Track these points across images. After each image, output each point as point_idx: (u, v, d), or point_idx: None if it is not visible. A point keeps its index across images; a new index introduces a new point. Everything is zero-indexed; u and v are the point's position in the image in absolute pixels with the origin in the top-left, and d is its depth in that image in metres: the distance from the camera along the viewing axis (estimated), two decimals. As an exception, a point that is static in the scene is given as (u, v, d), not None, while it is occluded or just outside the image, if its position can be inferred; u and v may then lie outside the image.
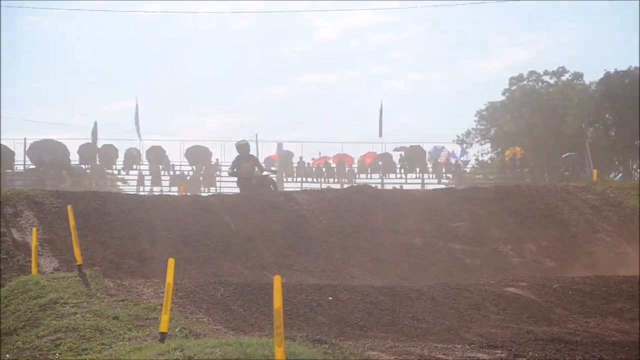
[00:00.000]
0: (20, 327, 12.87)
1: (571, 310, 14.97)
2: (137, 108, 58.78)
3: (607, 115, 67.64)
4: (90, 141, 55.40)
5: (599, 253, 22.37)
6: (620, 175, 60.57)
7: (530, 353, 10.08)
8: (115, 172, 57.34)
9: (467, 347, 10.50)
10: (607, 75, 67.17)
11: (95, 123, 56.05)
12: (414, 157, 57.00)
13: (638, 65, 67.91)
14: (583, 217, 24.25)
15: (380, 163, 56.89)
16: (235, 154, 27.74)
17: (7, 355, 11.95)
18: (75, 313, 12.91)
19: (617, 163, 66.73)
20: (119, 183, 58.11)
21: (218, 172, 56.31)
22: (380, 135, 56.59)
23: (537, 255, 22.33)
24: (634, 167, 66.45)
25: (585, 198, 25.65)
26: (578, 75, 74.01)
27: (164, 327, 11.05)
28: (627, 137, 64.64)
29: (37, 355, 11.70)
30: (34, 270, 16.00)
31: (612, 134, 67.41)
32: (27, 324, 12.92)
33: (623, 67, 70.65)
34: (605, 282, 17.01)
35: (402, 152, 56.70)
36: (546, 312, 14.67)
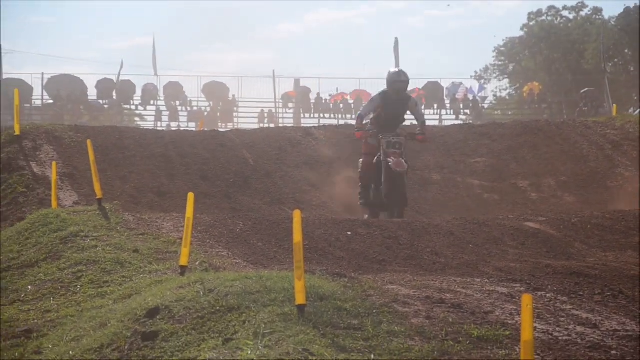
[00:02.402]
0: (41, 259, 12.96)
1: (590, 245, 14.95)
2: (155, 44, 58.75)
3: (626, 51, 67.10)
4: (109, 77, 55.28)
5: (618, 188, 22.30)
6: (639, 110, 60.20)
7: (549, 287, 10.09)
8: (133, 107, 57.35)
9: (486, 280, 10.52)
10: (627, 10, 66.59)
11: (122, 62, 56.04)
12: (432, 93, 56.75)
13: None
14: (602, 152, 24.16)
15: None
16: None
17: (29, 287, 12.06)
18: (96, 246, 12.99)
19: (636, 98, 66.33)
20: (136, 119, 58.18)
21: (235, 108, 56.26)
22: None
23: (556, 190, 22.30)
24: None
25: (604, 133, 25.52)
26: (597, 10, 73.44)
27: (184, 261, 11.10)
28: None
29: (59, 287, 11.80)
30: (54, 203, 16.07)
31: (631, 69, 66.92)
32: (48, 256, 13.01)
33: (644, 1, 69.98)
34: (624, 216, 16.95)
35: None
36: (565, 247, 14.66)
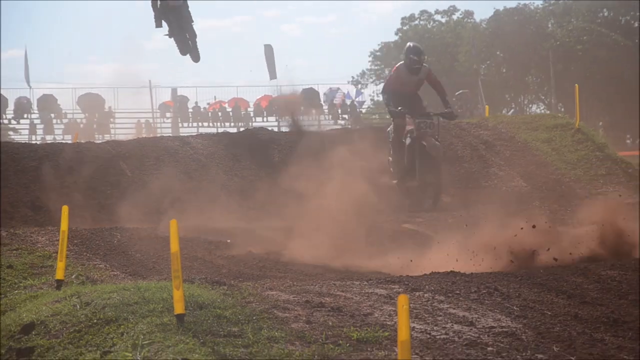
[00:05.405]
0: None
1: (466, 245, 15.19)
2: (27, 56, 57.65)
3: (497, 53, 68.53)
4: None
5: (492, 187, 22.72)
6: (512, 110, 61.58)
7: (427, 287, 10.20)
8: (6, 121, 56.14)
9: (365, 283, 10.60)
10: (497, 12, 67.99)
11: None
12: (309, 99, 57.00)
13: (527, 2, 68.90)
14: (476, 153, 24.59)
15: (275, 107, 56.80)
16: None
17: None
18: (-33, 264, 12.66)
19: (509, 99, 67.80)
20: (10, 132, 56.94)
21: (112, 119, 55.56)
22: (271, 78, 56.04)
23: (432, 191, 22.54)
24: (525, 102, 67.68)
25: (478, 134, 26.00)
26: (469, 14, 74.92)
27: (59, 275, 10.90)
28: (517, 73, 65.72)
29: None
30: None
31: (504, 71, 68.35)
32: None
33: (512, 4, 71.67)
34: (497, 215, 17.26)
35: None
36: (441, 247, 14.86)
